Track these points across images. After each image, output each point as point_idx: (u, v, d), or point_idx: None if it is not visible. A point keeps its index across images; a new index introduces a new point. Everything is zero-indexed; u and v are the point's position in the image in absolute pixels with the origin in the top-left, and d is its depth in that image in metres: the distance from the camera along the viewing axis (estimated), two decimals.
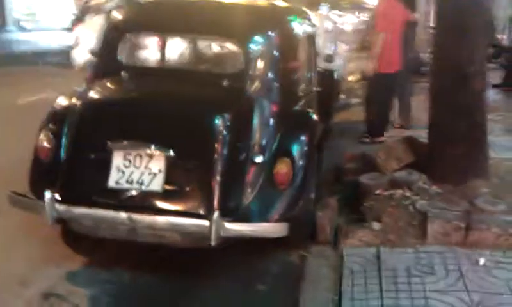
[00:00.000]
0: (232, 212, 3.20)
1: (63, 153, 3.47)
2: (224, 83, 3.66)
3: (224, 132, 3.28)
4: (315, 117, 4.08)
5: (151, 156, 3.24)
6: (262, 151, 3.43)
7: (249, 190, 3.33)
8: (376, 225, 3.72)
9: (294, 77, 4.08)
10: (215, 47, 4.07)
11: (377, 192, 4.13)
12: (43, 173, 3.55)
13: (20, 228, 3.90)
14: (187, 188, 3.22)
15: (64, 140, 3.52)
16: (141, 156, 3.26)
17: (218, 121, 3.29)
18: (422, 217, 3.71)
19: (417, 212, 3.79)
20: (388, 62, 5.92)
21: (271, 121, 3.62)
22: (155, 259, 3.51)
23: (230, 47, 3.93)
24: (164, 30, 3.94)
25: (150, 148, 3.23)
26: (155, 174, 3.22)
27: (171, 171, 3.22)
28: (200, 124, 3.34)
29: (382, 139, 6.08)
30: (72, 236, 3.52)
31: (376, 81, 6.07)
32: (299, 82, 4.20)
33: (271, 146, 3.50)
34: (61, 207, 3.23)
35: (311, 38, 4.84)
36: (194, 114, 3.38)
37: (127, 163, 3.27)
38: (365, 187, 4.26)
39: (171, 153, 3.21)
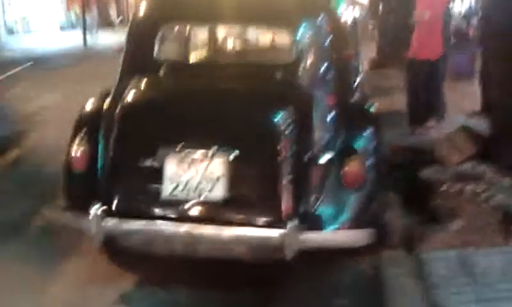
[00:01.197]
0: (303, 220, 2.82)
1: (102, 162, 3.08)
2: (278, 75, 3.28)
3: (287, 129, 2.90)
4: (373, 109, 3.71)
5: (209, 160, 2.85)
6: (326, 149, 3.06)
7: (317, 194, 2.96)
8: (453, 225, 3.36)
9: (347, 66, 3.69)
10: (264, 36, 3.66)
11: (444, 187, 3.77)
12: (81, 184, 3.17)
13: (54, 245, 3.50)
14: (253, 195, 2.84)
15: (102, 147, 3.13)
16: (197, 161, 2.87)
17: (279, 118, 2.91)
18: (503, 214, 3.36)
19: (496, 208, 3.44)
20: (429, 47, 5.52)
21: (331, 115, 3.24)
22: (211, 273, 3.12)
23: (280, 35, 3.53)
24: (205, 19, 3.52)
25: (207, 151, 2.84)
26: (215, 181, 2.84)
27: (233, 176, 2.83)
28: (260, 122, 2.96)
29: (422, 129, 5.70)
30: (117, 251, 3.13)
31: (413, 68, 5.69)
32: (352, 73, 3.81)
33: (334, 143, 3.13)
34: (109, 222, 2.84)
35: (354, 25, 4.47)
36: (253, 111, 3.00)
37: (181, 169, 2.87)
38: (427, 182, 3.91)
39: (232, 155, 2.82)
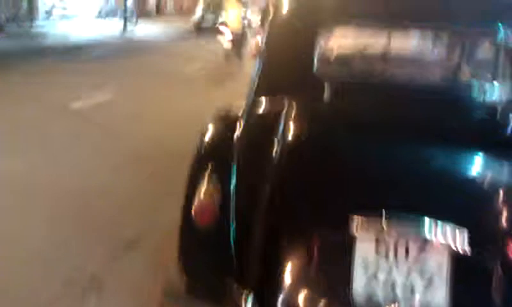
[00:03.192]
0: None
1: (242, 219, 2.15)
2: (497, 106, 2.22)
3: None
4: None
5: (423, 243, 1.88)
6: None
7: None
8: None
9: None
10: (474, 45, 2.56)
11: None
12: (210, 248, 2.23)
13: None
14: (491, 301, 1.87)
15: (241, 197, 2.20)
16: (405, 241, 1.90)
17: None
18: None
19: None
20: None
21: None
22: None
23: (497, 43, 2.45)
24: (390, 19, 2.47)
25: (419, 226, 1.87)
26: (432, 276, 1.87)
27: (461, 270, 1.86)
28: (499, 181, 1.97)
29: None
30: None
31: None
32: None
33: None
34: None
35: None
36: (487, 165, 2.01)
37: (381, 254, 1.91)
38: None
39: (458, 236, 1.85)
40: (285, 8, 2.62)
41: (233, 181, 2.24)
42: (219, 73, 10.57)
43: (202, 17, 20.66)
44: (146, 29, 19.12)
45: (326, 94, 2.33)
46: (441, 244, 1.85)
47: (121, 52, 13.18)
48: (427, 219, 1.85)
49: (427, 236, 1.85)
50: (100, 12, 23.53)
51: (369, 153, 2.02)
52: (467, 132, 2.13)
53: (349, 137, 2.09)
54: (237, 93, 2.94)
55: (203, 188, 2.28)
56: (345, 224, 1.88)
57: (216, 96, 7.09)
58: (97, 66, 11.00)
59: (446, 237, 1.84)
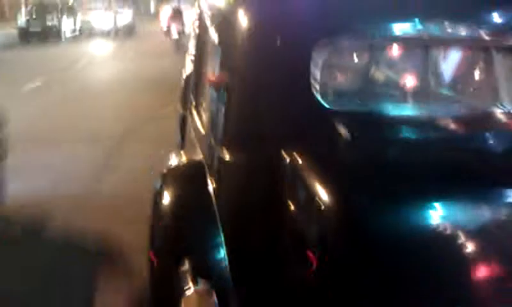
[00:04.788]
0: None
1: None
2: None
3: None
4: None
5: None
6: None
7: None
8: None
9: None
10: None
11: None
12: None
13: None
14: None
15: (249, 281, 1.52)
16: None
17: None
18: None
19: None
20: None
21: None
22: None
23: None
24: (425, 30, 1.71)
25: None
26: None
27: None
28: None
29: None
30: None
31: None
32: None
33: None
34: None
35: None
36: None
37: None
38: None
39: None
40: (256, 18, 1.83)
41: (225, 260, 1.56)
42: None
43: (28, 21, 19.11)
44: None
45: (340, 126, 1.60)
46: None
47: None
48: None
49: None
50: None
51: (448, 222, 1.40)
52: None
53: (407, 195, 1.45)
54: None
55: (187, 283, 1.57)
56: None
57: None
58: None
59: None
